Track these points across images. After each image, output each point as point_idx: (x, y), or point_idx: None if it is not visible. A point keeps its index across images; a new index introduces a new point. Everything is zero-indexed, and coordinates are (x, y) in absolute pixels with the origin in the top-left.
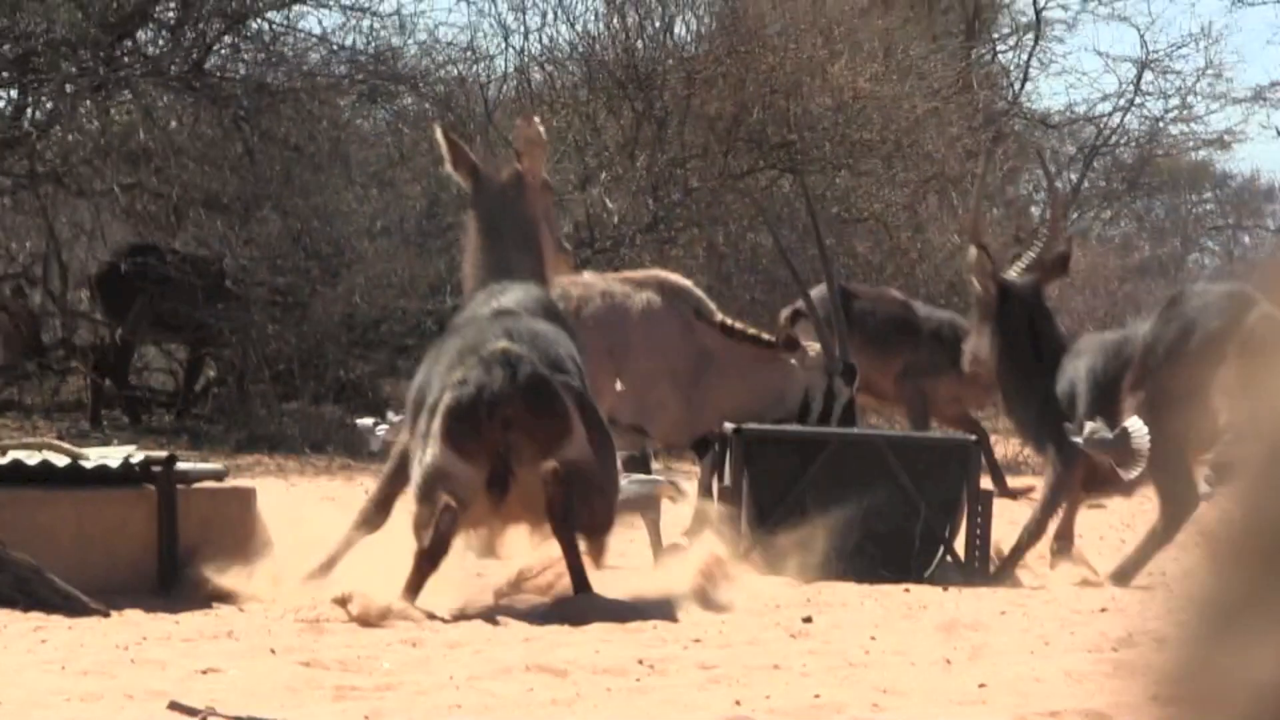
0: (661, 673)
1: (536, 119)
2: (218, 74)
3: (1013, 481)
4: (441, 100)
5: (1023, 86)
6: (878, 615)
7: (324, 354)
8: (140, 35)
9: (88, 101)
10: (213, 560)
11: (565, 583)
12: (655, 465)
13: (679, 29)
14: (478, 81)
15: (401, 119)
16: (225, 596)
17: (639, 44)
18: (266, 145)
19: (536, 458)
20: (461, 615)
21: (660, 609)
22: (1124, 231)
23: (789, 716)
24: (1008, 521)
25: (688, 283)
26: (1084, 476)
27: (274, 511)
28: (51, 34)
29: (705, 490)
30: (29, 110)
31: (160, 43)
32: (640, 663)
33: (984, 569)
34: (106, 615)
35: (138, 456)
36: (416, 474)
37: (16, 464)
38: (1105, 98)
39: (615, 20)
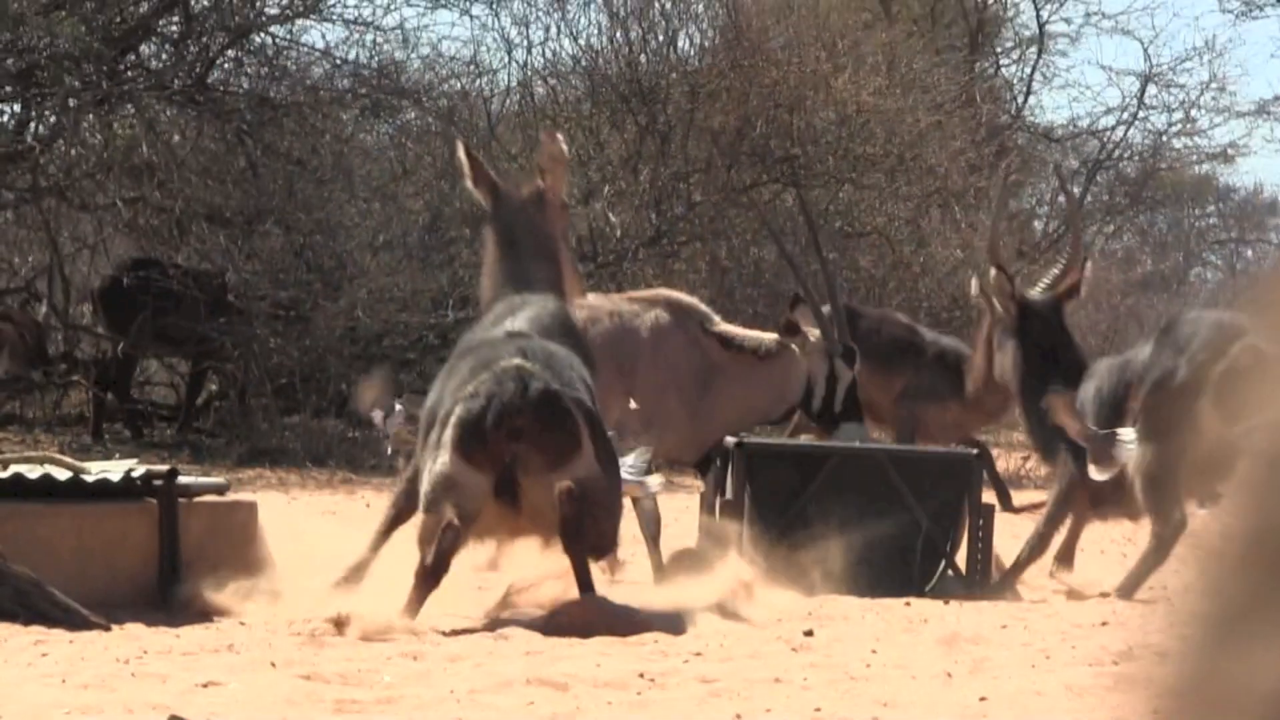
0: (662, 686)
1: (560, 135)
2: (221, 88)
3: (1014, 496)
4: (444, 114)
5: (1026, 100)
6: (879, 629)
7: (326, 368)
8: (143, 49)
9: (91, 116)
10: (214, 574)
11: (558, 594)
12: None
13: (682, 43)
14: (481, 96)
15: (404, 133)
16: (225, 610)
17: (642, 58)
18: (269, 159)
19: (544, 471)
20: (462, 628)
21: (661, 621)
22: (1127, 245)
23: None
24: (1010, 536)
25: (693, 299)
26: (1092, 495)
27: (274, 525)
28: (55, 48)
29: (710, 506)
30: (32, 124)
31: (163, 57)
32: (641, 676)
33: (985, 583)
34: (107, 629)
35: (139, 470)
36: (425, 483)
37: (18, 477)
38: (1108, 111)
39: (618, 34)
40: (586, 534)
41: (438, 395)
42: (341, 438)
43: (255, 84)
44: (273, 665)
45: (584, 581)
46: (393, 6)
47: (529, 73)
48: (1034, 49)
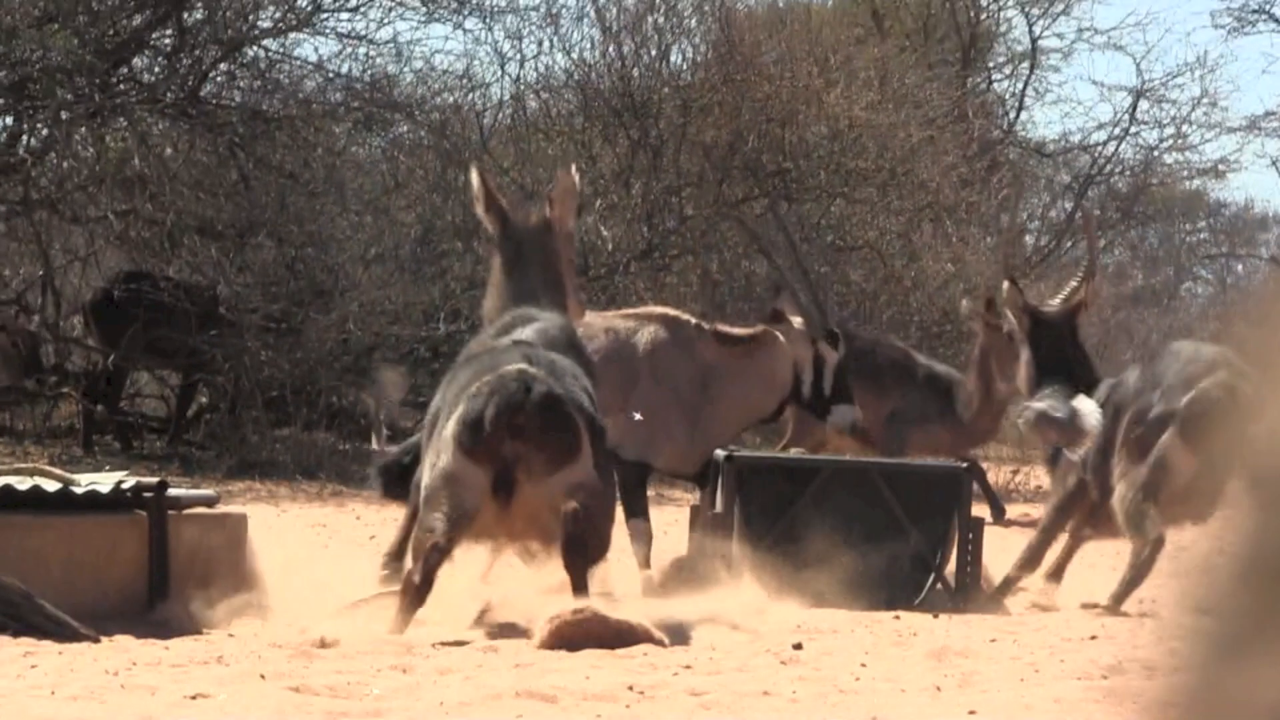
0: (651, 699)
1: (574, 170)
2: (213, 101)
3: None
4: (437, 128)
5: (1018, 115)
6: (868, 642)
7: (317, 380)
8: (136, 62)
9: (83, 128)
10: (203, 586)
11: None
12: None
13: (675, 57)
14: (473, 109)
15: (397, 147)
16: (215, 622)
17: (635, 72)
18: (261, 172)
19: (543, 472)
20: (451, 641)
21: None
22: (1118, 260)
23: None
24: (1000, 549)
25: (685, 315)
26: (1090, 512)
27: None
28: (47, 61)
29: (701, 520)
30: (24, 137)
31: (156, 70)
32: (630, 689)
33: (974, 596)
34: (96, 640)
35: (129, 482)
36: (425, 477)
37: (7, 489)
38: (1100, 126)
39: (611, 48)
40: (591, 553)
41: (441, 398)
42: (332, 450)
43: (248, 97)
44: (262, 677)
45: (579, 586)
46: (386, 20)
47: (522, 86)
48: (1026, 64)
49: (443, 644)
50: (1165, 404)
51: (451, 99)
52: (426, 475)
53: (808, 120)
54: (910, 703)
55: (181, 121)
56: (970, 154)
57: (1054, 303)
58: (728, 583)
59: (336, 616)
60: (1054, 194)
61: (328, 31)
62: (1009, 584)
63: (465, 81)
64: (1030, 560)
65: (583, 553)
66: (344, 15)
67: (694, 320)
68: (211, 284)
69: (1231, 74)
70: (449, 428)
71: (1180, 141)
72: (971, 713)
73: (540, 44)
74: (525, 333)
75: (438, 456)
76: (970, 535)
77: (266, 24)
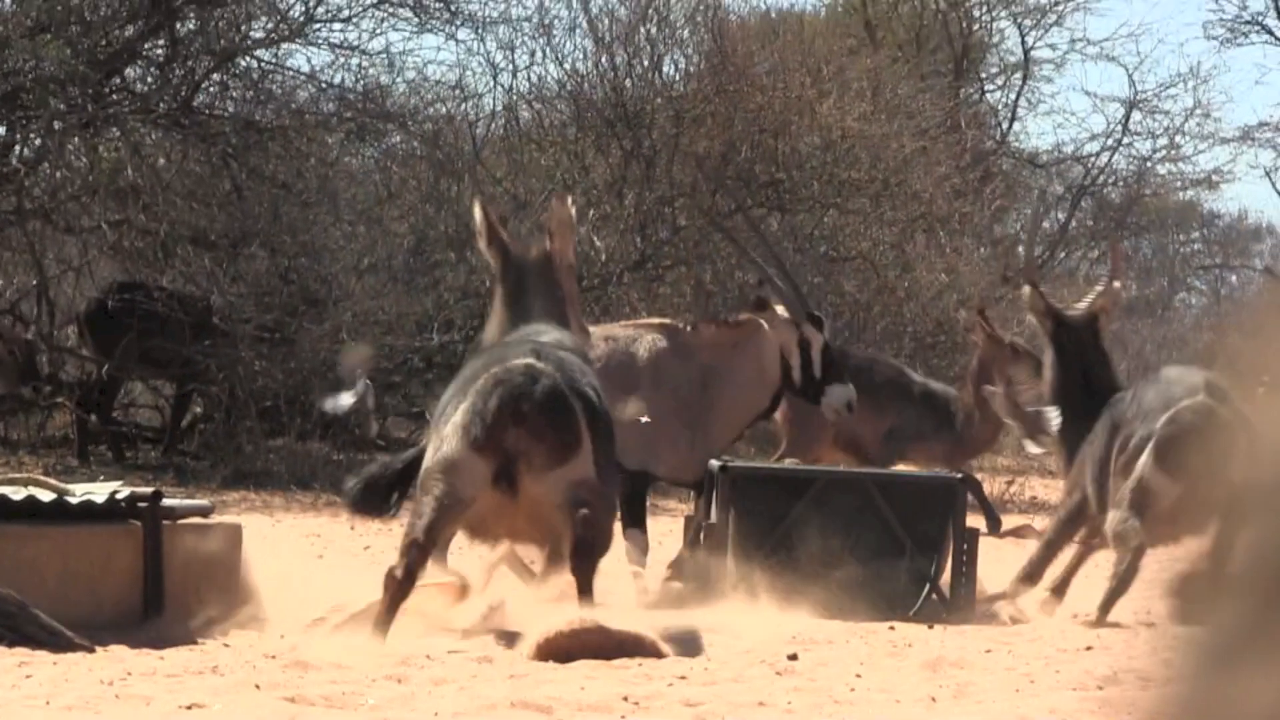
0: (646, 709)
1: (570, 200)
2: (206, 111)
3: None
4: (430, 138)
5: (1011, 126)
6: (863, 653)
7: (310, 390)
8: (129, 72)
9: (76, 138)
10: (198, 596)
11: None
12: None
13: (667, 68)
14: (466, 120)
15: (390, 157)
16: (210, 632)
17: (627, 83)
18: (254, 182)
19: (544, 467)
20: (446, 651)
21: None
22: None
23: None
24: (994, 560)
25: (678, 321)
26: (1095, 528)
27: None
28: (40, 71)
29: (695, 531)
30: (17, 147)
31: (149, 80)
32: (625, 699)
33: (969, 607)
34: (91, 650)
35: (123, 492)
36: (427, 462)
37: (2, 499)
38: (1093, 137)
39: (604, 59)
40: (597, 558)
41: (448, 397)
42: (326, 460)
43: (240, 107)
44: (257, 687)
45: (584, 588)
46: (378, 31)
47: (514, 97)
48: (1019, 75)
49: (438, 654)
50: (1145, 427)
51: (444, 109)
52: (428, 461)
53: (800, 131)
54: (905, 713)
55: (174, 132)
56: (963, 165)
57: (1080, 306)
58: (722, 593)
59: (326, 627)
60: (1047, 205)
61: (320, 42)
62: (1012, 593)
63: (458, 92)
64: (1030, 575)
65: (591, 557)
66: (336, 26)
67: (685, 325)
68: (205, 294)
69: (1224, 85)
70: (454, 417)
71: (1173, 152)
72: None
73: (533, 54)
74: (539, 339)
75: (440, 444)
76: (965, 546)
77: (259, 34)
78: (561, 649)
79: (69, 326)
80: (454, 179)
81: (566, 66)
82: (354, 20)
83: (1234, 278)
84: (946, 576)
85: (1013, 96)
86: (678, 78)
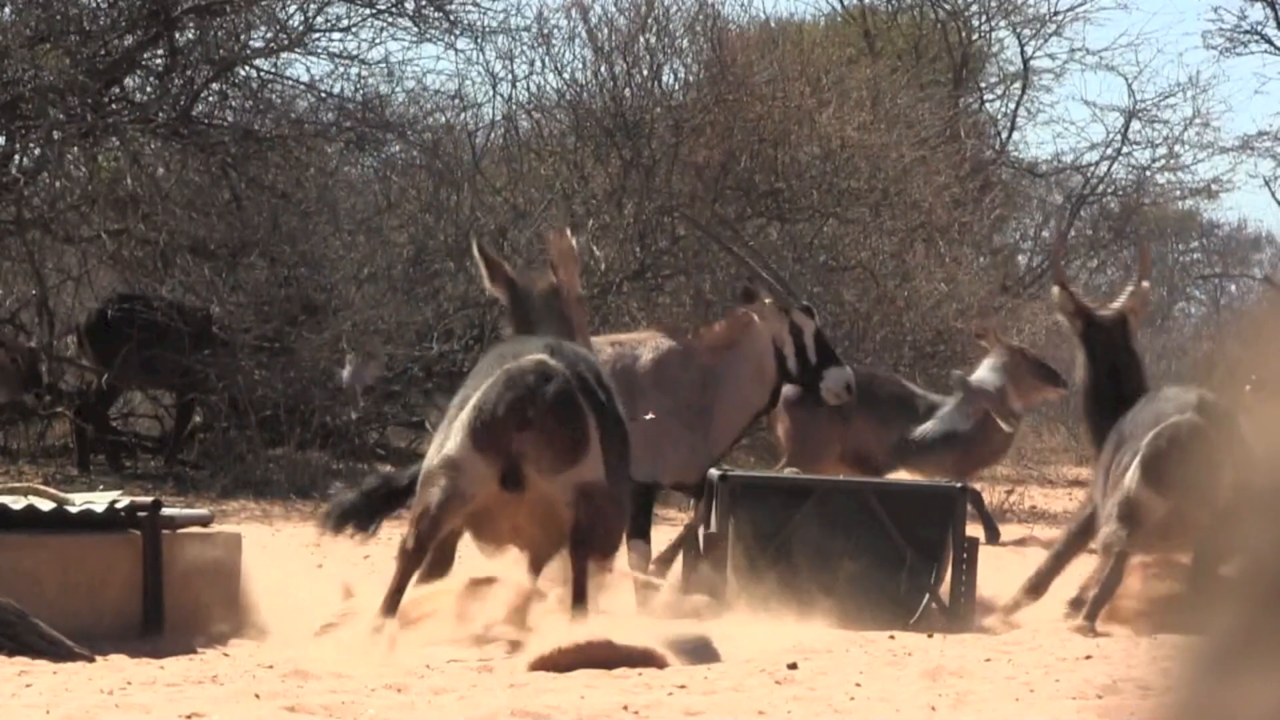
0: (646, 719)
1: (569, 231)
2: (205, 121)
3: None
4: (429, 148)
5: (1010, 135)
6: (863, 662)
7: (310, 400)
8: (128, 82)
9: (75, 148)
10: (198, 605)
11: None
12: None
13: (667, 77)
14: (465, 129)
15: (389, 167)
16: (210, 641)
17: (627, 92)
18: (254, 192)
19: (551, 469)
20: (446, 660)
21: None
22: (1110, 280)
23: None
24: (994, 569)
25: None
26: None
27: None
28: (39, 81)
29: (694, 538)
30: (16, 157)
31: (148, 90)
32: (625, 709)
33: (969, 616)
34: (91, 660)
35: (123, 502)
36: (430, 458)
37: (2, 509)
38: (1093, 147)
39: (603, 68)
40: (596, 542)
41: (464, 394)
42: (326, 470)
43: (240, 117)
44: (256, 697)
45: (580, 592)
46: (378, 41)
47: (513, 106)
48: (1018, 84)
49: (438, 663)
50: (1135, 442)
51: (443, 119)
52: (433, 454)
53: (800, 140)
54: None
55: (174, 141)
56: (963, 174)
57: (1114, 306)
58: (722, 602)
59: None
60: (1046, 214)
61: (319, 51)
62: (1016, 607)
63: (457, 101)
64: (1037, 586)
65: (590, 545)
66: (336, 35)
67: (688, 333)
68: (205, 304)
69: (1224, 94)
70: (463, 415)
71: (1173, 161)
72: None
73: (532, 64)
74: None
75: (447, 439)
76: (965, 555)
77: (258, 44)
78: (567, 665)
79: (68, 336)
80: (453, 188)
81: (566, 76)
82: (353, 30)
83: (1233, 287)
84: (946, 585)
85: (1012, 106)
86: (677, 87)
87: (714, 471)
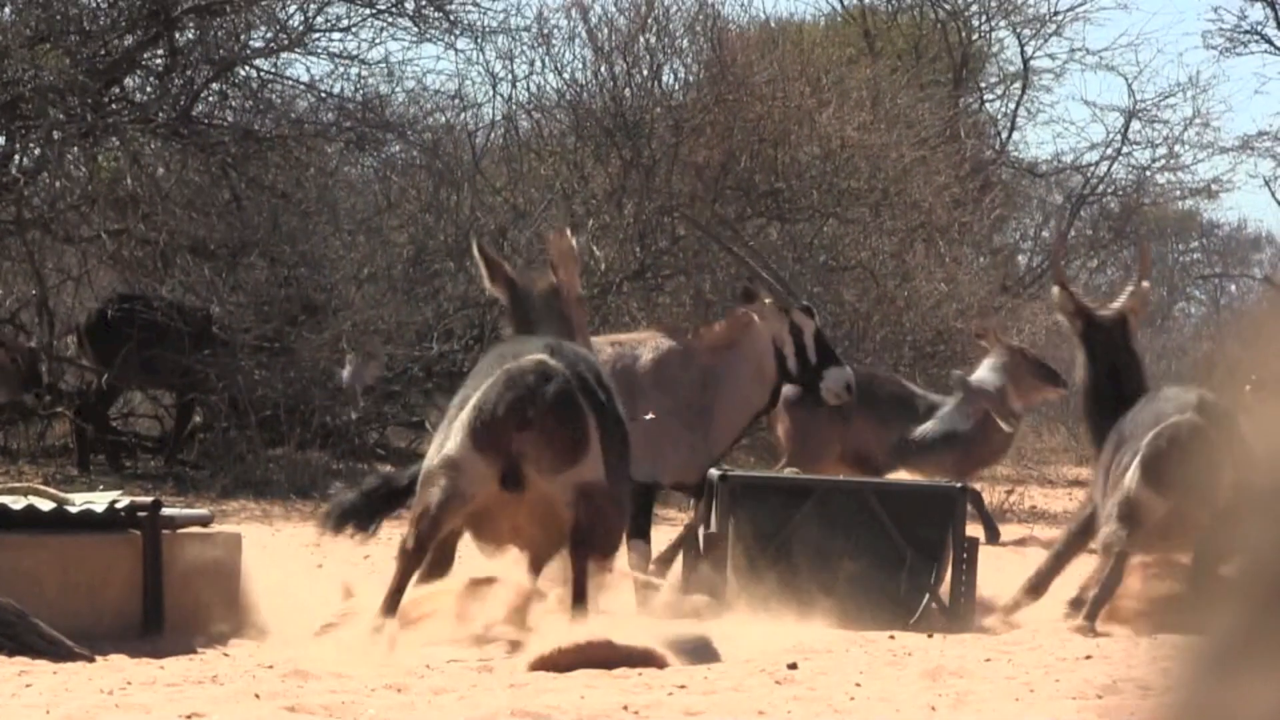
0: (646, 719)
1: (569, 231)
2: (205, 121)
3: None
4: (429, 148)
5: (1010, 135)
6: (863, 662)
7: (310, 400)
8: (128, 82)
9: (75, 148)
10: (198, 605)
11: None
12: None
13: (667, 77)
14: (465, 129)
15: (389, 167)
16: (210, 641)
17: (626, 92)
18: (254, 192)
19: (550, 469)
20: (446, 660)
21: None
22: (1110, 280)
23: None
24: (994, 569)
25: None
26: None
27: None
28: (39, 81)
29: (693, 539)
30: (16, 157)
31: (148, 90)
32: (625, 709)
33: (969, 615)
34: (91, 660)
35: (123, 502)
36: (430, 457)
37: (2, 509)
38: (1093, 147)
39: (603, 68)
40: (596, 542)
41: (465, 392)
42: (326, 469)
43: (240, 117)
44: (256, 697)
45: (580, 592)
46: (377, 41)
47: (513, 106)
48: (1018, 84)
49: (438, 663)
50: (1135, 442)
51: (443, 119)
52: (432, 454)
53: (800, 140)
54: None
55: (173, 141)
56: (963, 174)
57: (1114, 306)
58: (722, 602)
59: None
60: (1046, 214)
61: (319, 51)
62: (1016, 607)
63: (457, 101)
64: (1037, 586)
65: (589, 544)
66: (335, 35)
67: (688, 334)
68: (205, 304)
69: (1224, 94)
70: (464, 415)
71: (1173, 161)
72: None
73: (532, 64)
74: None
75: (447, 439)
76: (965, 555)
77: (258, 44)
78: (567, 665)
79: (68, 336)
80: (453, 188)
81: (566, 76)
82: (353, 30)
83: (1233, 287)
84: (946, 585)
85: (1012, 106)
86: (677, 87)
87: (714, 471)
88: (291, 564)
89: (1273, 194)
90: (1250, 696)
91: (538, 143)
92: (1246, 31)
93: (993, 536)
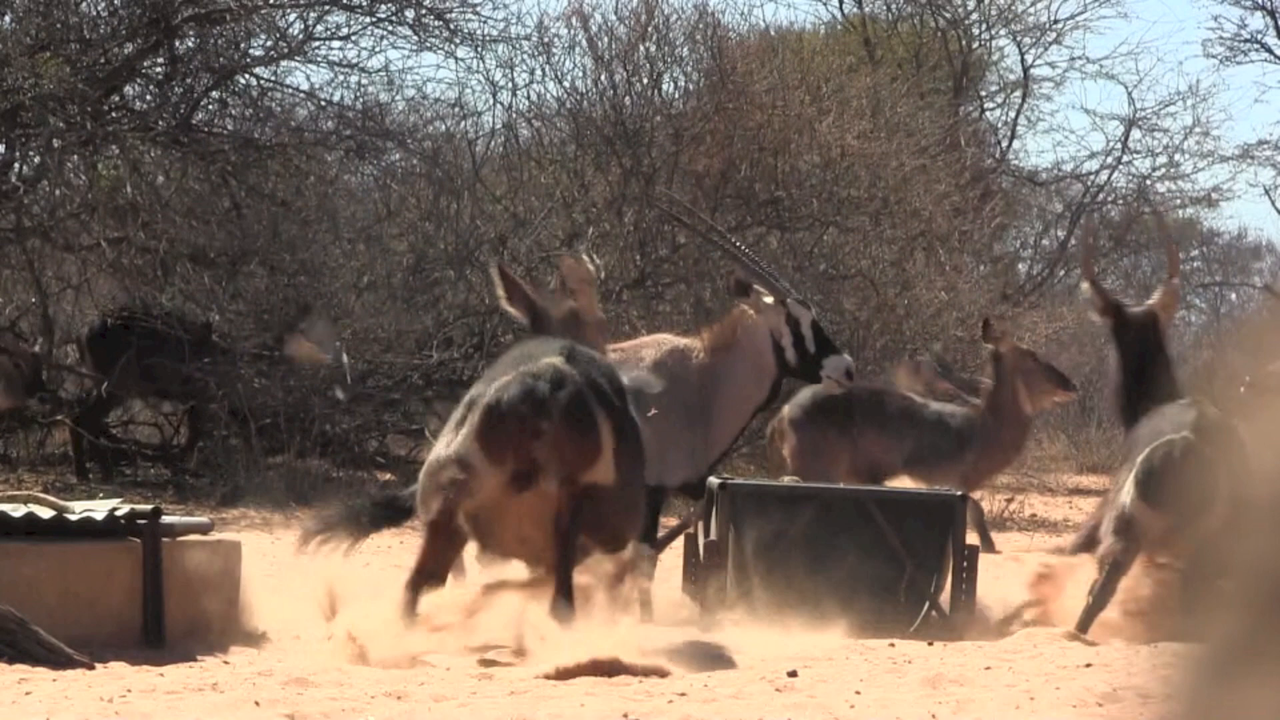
0: None
1: (585, 255)
2: (205, 129)
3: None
4: (429, 156)
5: (1010, 144)
6: (863, 669)
7: (309, 408)
8: (128, 90)
9: (75, 156)
10: (198, 613)
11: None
12: None
13: (667, 86)
14: (465, 137)
15: (389, 175)
16: (209, 649)
17: (627, 100)
18: (254, 200)
19: (561, 475)
20: (447, 667)
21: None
22: (1111, 289)
23: None
24: (993, 577)
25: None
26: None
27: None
28: (39, 89)
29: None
30: (16, 165)
31: (148, 98)
32: (625, 716)
33: (968, 623)
34: (91, 668)
35: (123, 509)
36: (439, 451)
37: (1, 517)
38: (1093, 155)
39: (603, 77)
40: (601, 539)
41: (477, 390)
42: (325, 478)
43: (240, 125)
44: (256, 704)
45: (563, 584)
46: (377, 49)
47: (514, 115)
48: (1018, 93)
49: (438, 670)
50: (1132, 459)
51: (444, 127)
52: (441, 448)
53: (800, 149)
54: None
55: (173, 149)
56: (963, 183)
57: (1149, 302)
58: (723, 610)
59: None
60: (1046, 222)
61: (319, 60)
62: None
63: (457, 110)
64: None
65: (569, 548)
66: (335, 43)
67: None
68: (205, 312)
69: (1224, 103)
70: (474, 416)
71: (1173, 170)
72: None
73: (532, 72)
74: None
75: (457, 437)
76: (965, 563)
77: (258, 52)
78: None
79: (68, 345)
80: (453, 197)
81: (566, 84)
82: (353, 38)
83: (1233, 295)
84: (946, 593)
85: (1012, 114)
86: (677, 96)
87: (714, 480)
88: (291, 571)
89: (1273, 203)
90: (1250, 704)
91: (538, 151)
92: (1246, 40)
93: (987, 547)
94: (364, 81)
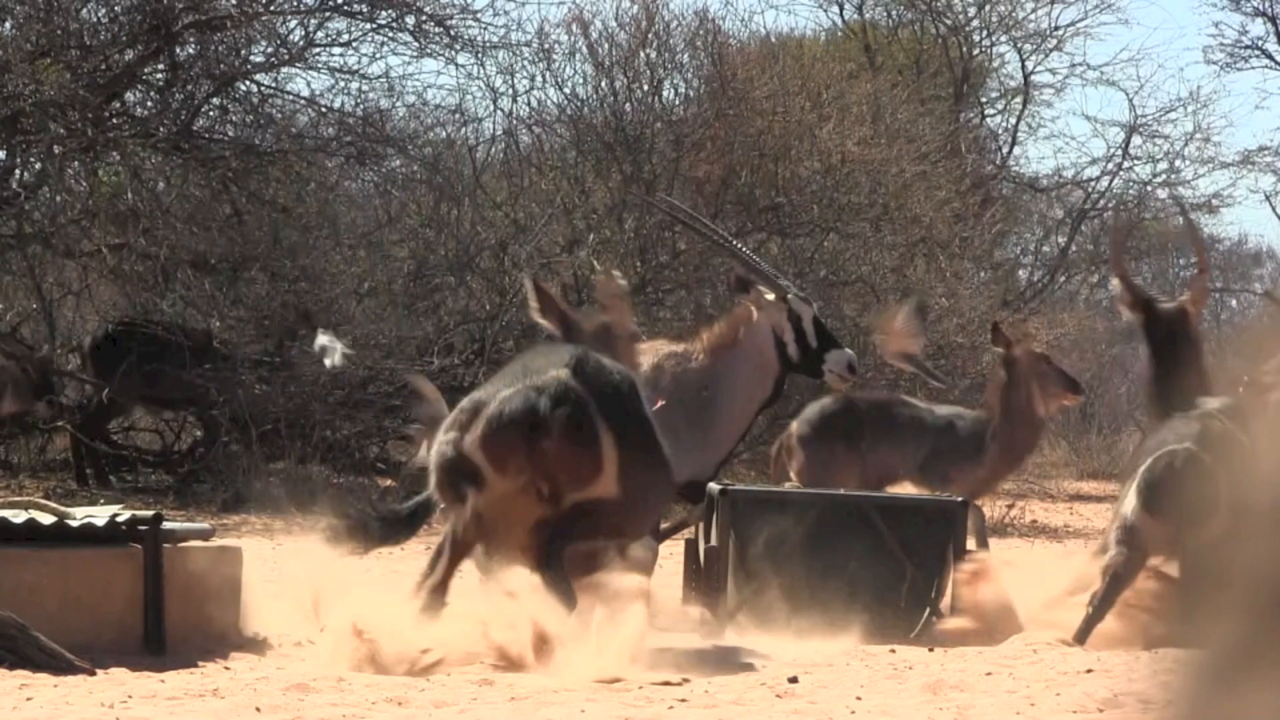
0: None
1: (617, 273)
2: (206, 135)
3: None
4: (430, 162)
5: (1011, 150)
6: (863, 675)
7: (310, 414)
8: (129, 97)
9: (76, 163)
10: (199, 619)
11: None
12: None
13: (667, 92)
14: (466, 144)
15: (389, 181)
16: (210, 655)
17: (627, 107)
18: (254, 206)
19: (561, 491)
20: (448, 672)
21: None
22: (1111, 295)
23: None
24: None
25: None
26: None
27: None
28: (40, 95)
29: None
30: (17, 171)
31: (149, 104)
32: None
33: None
34: (92, 673)
35: (124, 515)
36: (441, 445)
37: (3, 522)
38: (1093, 162)
39: (604, 83)
40: (560, 551)
41: (484, 393)
42: (327, 484)
43: (240, 131)
44: (258, 710)
45: (554, 591)
46: (378, 55)
47: (514, 121)
48: (1019, 99)
49: (438, 676)
50: (1136, 469)
51: (444, 133)
52: (440, 450)
53: (800, 155)
54: None
55: (174, 156)
56: (963, 189)
57: (1180, 298)
58: (723, 616)
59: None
60: (1047, 229)
61: (320, 66)
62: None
63: (458, 116)
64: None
65: (556, 565)
66: (336, 50)
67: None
68: (206, 318)
69: (1224, 109)
70: (478, 424)
71: (1173, 177)
72: None
73: (533, 79)
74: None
75: (464, 440)
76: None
77: (259, 59)
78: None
79: (70, 352)
80: (454, 203)
81: (566, 91)
82: (354, 45)
83: (1234, 302)
84: (947, 599)
85: (1013, 121)
86: (677, 102)
87: (714, 486)
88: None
89: (1273, 209)
90: (1251, 709)
91: (538, 157)
92: (1247, 47)
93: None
94: (364, 88)
